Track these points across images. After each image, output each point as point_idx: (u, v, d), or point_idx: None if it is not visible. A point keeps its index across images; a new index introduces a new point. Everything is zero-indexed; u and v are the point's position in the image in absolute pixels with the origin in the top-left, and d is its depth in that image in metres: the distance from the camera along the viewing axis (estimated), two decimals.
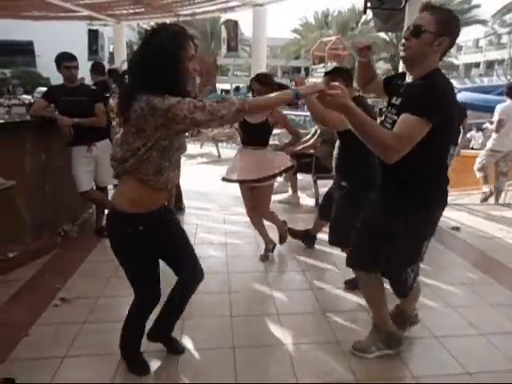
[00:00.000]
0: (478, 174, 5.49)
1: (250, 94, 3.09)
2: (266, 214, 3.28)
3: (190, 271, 1.92)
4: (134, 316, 1.87)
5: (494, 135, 5.31)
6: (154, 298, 1.85)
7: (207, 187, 5.24)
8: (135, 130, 1.53)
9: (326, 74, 2.70)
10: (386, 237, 1.82)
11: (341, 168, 2.74)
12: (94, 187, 3.70)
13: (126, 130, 1.56)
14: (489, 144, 5.38)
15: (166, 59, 1.51)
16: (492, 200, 5.60)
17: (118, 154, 1.60)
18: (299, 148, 4.73)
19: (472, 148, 13.14)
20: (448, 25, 1.60)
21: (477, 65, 36.44)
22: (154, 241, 1.72)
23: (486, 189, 5.48)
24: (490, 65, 35.00)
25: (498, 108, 5.21)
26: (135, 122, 1.52)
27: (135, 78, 1.56)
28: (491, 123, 5.43)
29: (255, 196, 3.14)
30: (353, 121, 1.58)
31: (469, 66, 37.12)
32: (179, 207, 4.37)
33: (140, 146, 1.53)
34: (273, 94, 1.67)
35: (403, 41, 1.65)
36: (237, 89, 28.79)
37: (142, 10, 9.35)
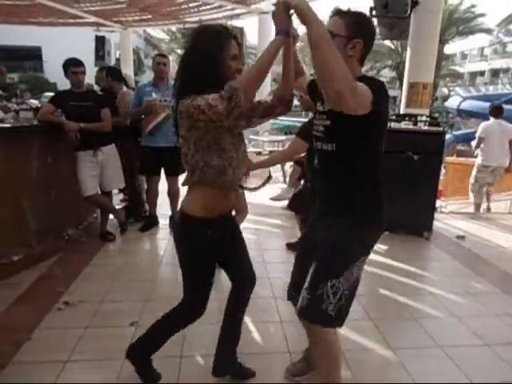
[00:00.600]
0: (472, 195, 5.70)
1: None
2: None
3: (248, 276, 1.92)
4: (172, 323, 1.81)
5: (480, 152, 5.54)
6: (201, 309, 1.76)
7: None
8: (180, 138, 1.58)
9: None
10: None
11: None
12: (99, 192, 3.73)
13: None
14: (478, 160, 5.57)
15: (207, 62, 1.49)
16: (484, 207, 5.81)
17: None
18: (304, 154, 4.73)
19: (476, 156, 13.10)
20: (359, 26, 1.51)
21: (482, 73, 36.42)
22: (219, 246, 1.69)
23: (475, 200, 5.72)
24: (495, 73, 34.95)
25: (482, 125, 5.44)
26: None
27: (180, 83, 1.56)
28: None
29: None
30: (315, 31, 1.31)
31: (474, 75, 37.09)
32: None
33: (186, 152, 1.55)
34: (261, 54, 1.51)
35: None
36: None
37: (149, 16, 9.47)
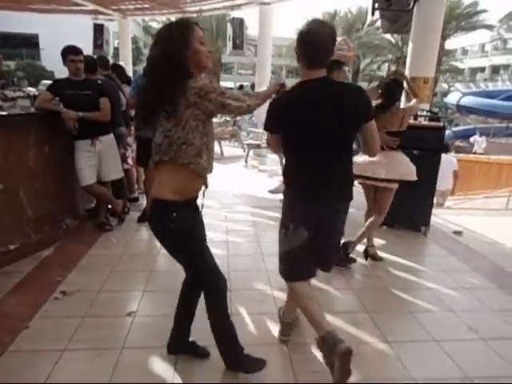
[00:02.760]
0: None
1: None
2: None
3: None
4: (214, 307, 1.85)
5: None
6: (219, 278, 1.82)
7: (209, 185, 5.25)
8: (167, 116, 1.61)
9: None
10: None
11: None
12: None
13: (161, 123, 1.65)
14: None
15: (176, 55, 1.58)
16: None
17: (156, 141, 1.66)
18: None
19: (475, 153, 13.14)
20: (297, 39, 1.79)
21: (482, 69, 36.36)
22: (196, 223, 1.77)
23: None
24: (495, 70, 34.93)
25: None
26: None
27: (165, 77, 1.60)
28: None
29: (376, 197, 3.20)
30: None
31: (474, 71, 37.02)
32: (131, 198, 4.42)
33: (171, 128, 1.59)
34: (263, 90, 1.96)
35: None
36: (240, 87, 28.77)
37: (148, 5, 9.35)
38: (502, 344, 2.26)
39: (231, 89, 1.61)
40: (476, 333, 2.36)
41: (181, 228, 1.67)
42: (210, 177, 1.80)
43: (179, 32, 1.60)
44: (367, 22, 29.12)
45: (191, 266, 1.82)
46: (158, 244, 1.90)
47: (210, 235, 3.83)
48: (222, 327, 1.88)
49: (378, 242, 3.73)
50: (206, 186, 1.79)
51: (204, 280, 1.83)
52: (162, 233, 1.74)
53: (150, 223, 1.76)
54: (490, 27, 28.36)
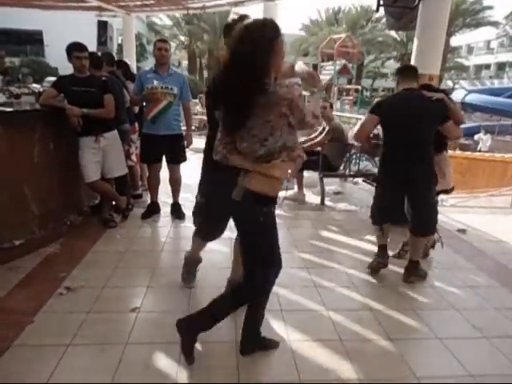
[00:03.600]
0: None
1: None
2: None
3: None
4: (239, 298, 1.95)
5: None
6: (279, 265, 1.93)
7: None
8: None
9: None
10: None
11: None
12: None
13: None
14: None
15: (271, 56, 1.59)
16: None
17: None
18: (306, 145, 4.72)
19: (479, 151, 13.07)
20: None
21: (487, 66, 36.10)
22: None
23: None
24: (500, 67, 34.66)
25: None
26: None
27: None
28: None
29: None
30: None
31: (479, 68, 36.75)
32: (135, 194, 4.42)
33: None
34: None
35: None
36: None
37: (152, 1, 9.33)
38: (506, 342, 2.25)
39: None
40: (480, 331, 2.35)
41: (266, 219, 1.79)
42: None
43: (271, 34, 1.57)
44: (372, 19, 28.97)
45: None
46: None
47: None
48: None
49: None
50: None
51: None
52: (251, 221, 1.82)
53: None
54: (495, 24, 28.14)
